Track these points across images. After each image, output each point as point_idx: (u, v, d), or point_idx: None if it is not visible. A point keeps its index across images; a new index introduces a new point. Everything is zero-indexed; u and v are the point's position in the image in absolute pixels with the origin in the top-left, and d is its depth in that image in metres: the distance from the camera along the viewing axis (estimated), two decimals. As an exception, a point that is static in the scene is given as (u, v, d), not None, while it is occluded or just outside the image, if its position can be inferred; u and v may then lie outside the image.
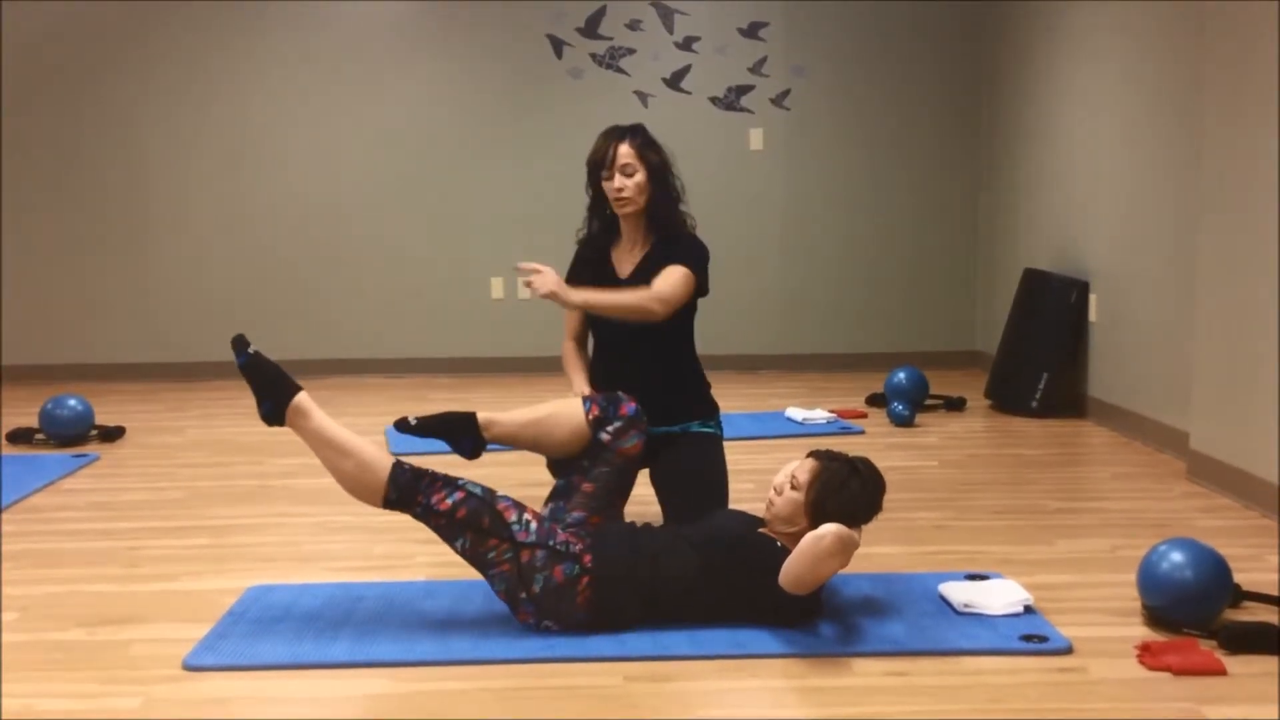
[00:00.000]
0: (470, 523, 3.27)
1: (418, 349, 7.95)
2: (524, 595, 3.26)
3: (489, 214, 7.91)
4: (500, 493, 3.37)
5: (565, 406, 3.59)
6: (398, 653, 3.17)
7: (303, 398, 3.40)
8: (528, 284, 3.80)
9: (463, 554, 3.32)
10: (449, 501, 3.29)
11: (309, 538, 4.34)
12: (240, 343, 3.48)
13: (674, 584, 3.28)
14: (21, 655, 3.22)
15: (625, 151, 3.99)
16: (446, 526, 3.30)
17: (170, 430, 6.22)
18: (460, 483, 3.33)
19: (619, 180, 3.99)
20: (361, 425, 3.68)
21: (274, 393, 3.42)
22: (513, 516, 3.29)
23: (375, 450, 3.38)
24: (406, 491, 3.30)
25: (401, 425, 3.54)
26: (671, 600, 3.29)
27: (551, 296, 3.76)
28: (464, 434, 3.59)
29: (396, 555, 4.09)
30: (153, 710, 2.91)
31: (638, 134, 4.05)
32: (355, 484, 3.35)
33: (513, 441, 3.64)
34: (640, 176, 3.99)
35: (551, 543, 3.28)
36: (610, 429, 3.55)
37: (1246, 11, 4.61)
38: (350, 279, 7.93)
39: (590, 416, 3.56)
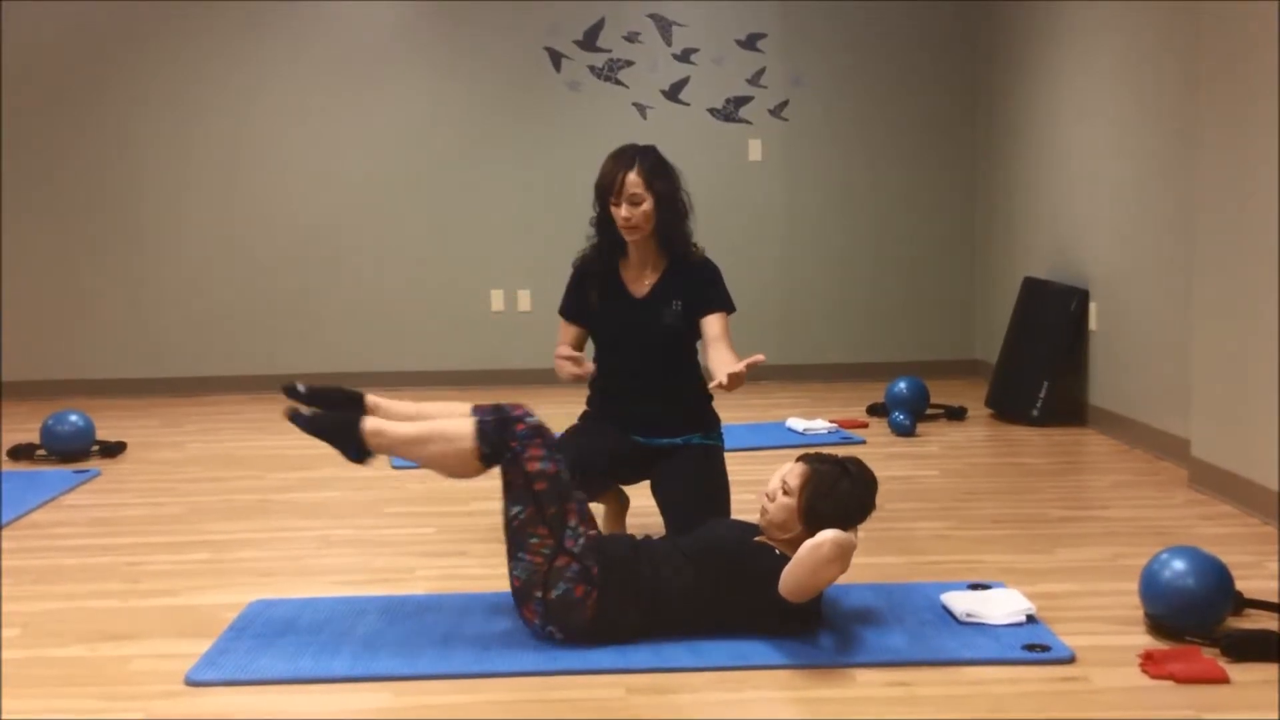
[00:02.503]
0: (539, 499, 3.24)
1: (417, 362, 7.94)
2: (539, 594, 3.25)
3: (488, 226, 7.91)
4: (578, 491, 3.33)
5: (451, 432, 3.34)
6: (399, 667, 3.17)
7: (369, 424, 3.35)
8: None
9: (509, 521, 3.28)
10: (539, 465, 3.25)
11: (310, 552, 4.33)
12: (292, 397, 3.42)
13: (674, 594, 3.28)
14: (22, 671, 3.22)
15: (632, 180, 3.97)
16: (520, 486, 3.25)
17: (171, 445, 6.22)
18: (558, 456, 3.29)
19: (626, 209, 3.99)
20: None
21: (346, 437, 3.35)
22: (573, 521, 3.27)
23: (453, 423, 3.31)
24: (497, 444, 3.24)
25: (289, 390, 3.44)
26: (672, 611, 3.29)
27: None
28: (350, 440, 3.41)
29: (398, 569, 4.08)
30: (154, 726, 2.91)
31: (647, 159, 4.02)
32: (450, 464, 3.31)
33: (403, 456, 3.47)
34: (647, 205, 3.99)
35: (587, 563, 3.26)
36: (509, 455, 3.28)
37: (1242, 15, 4.62)
38: (349, 292, 7.93)
39: (479, 453, 3.30)
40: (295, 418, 3.40)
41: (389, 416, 3.49)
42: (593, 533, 3.32)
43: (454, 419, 3.34)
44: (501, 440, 3.26)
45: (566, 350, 4.03)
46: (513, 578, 3.30)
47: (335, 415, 3.41)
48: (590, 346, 4.29)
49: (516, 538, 3.27)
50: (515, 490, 3.27)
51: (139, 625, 3.56)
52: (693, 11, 7.88)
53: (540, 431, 3.29)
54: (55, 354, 7.84)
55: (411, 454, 3.37)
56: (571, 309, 4.23)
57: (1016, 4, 7.33)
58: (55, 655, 3.34)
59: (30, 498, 5.02)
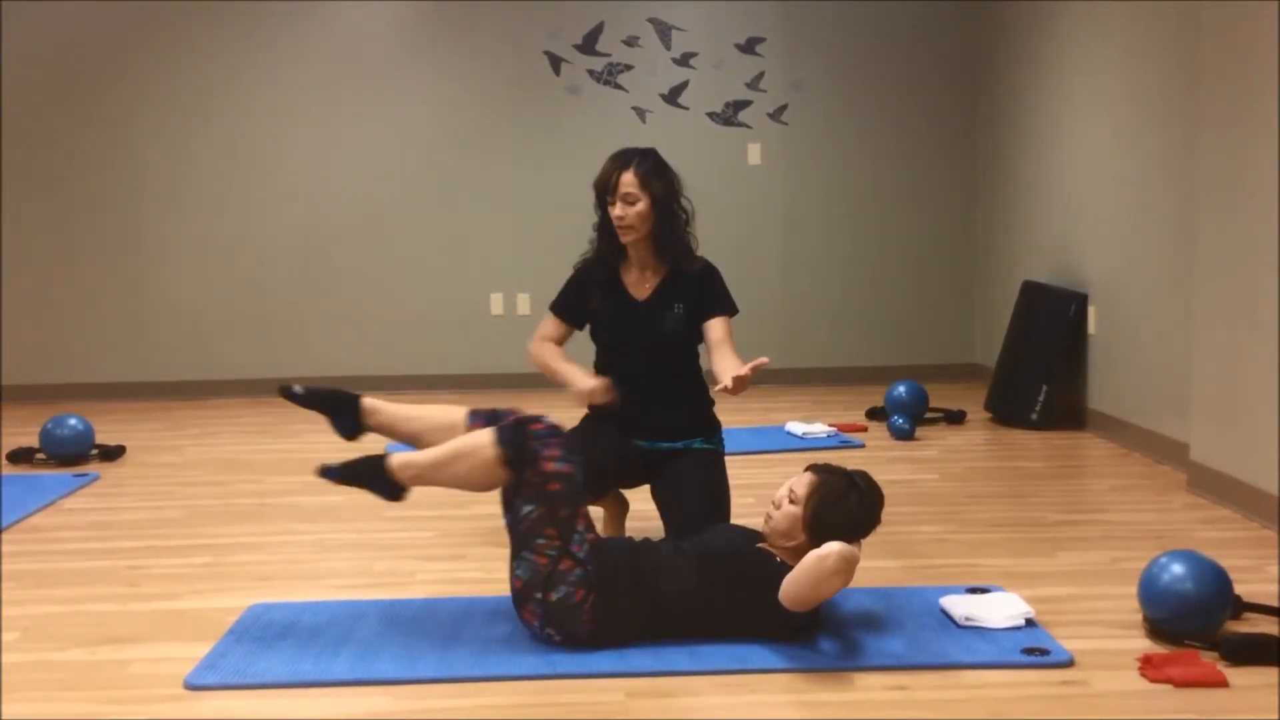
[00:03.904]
0: (553, 500, 3.24)
1: (418, 365, 7.95)
2: (539, 596, 3.25)
3: (487, 230, 7.92)
4: (587, 494, 3.35)
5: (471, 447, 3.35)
6: (399, 671, 3.17)
7: (396, 459, 3.38)
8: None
9: (518, 520, 3.27)
10: (555, 466, 3.24)
11: (310, 555, 4.34)
12: (286, 388, 3.57)
13: (673, 599, 3.28)
14: (22, 675, 3.22)
15: (628, 180, 4.00)
16: (534, 485, 3.24)
17: (170, 449, 6.22)
18: (575, 458, 3.28)
19: (620, 208, 4.01)
20: (362, 443, 3.68)
21: (377, 477, 3.39)
22: (581, 525, 3.28)
23: (470, 437, 3.33)
24: (518, 445, 3.24)
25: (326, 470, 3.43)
26: (671, 615, 3.29)
27: None
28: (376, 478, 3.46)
29: (397, 572, 4.09)
30: (154, 730, 2.91)
31: (645, 161, 4.04)
32: (476, 477, 3.30)
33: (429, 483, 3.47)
34: (642, 205, 4.00)
35: (591, 568, 3.26)
36: (529, 460, 3.27)
37: (1242, 15, 4.62)
38: (349, 296, 7.94)
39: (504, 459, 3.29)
40: (326, 472, 3.42)
41: (387, 418, 3.56)
42: (592, 536, 3.32)
43: (470, 435, 3.35)
44: (521, 441, 3.26)
45: (598, 385, 3.96)
46: (514, 578, 3.30)
47: (363, 460, 3.42)
48: (578, 348, 4.28)
49: (524, 537, 3.27)
50: (528, 489, 3.26)
51: (139, 629, 3.56)
52: (692, 16, 7.88)
53: (557, 432, 3.30)
54: (55, 358, 7.85)
55: (440, 476, 3.37)
56: (565, 307, 4.23)
57: (1016, 7, 7.33)
58: (55, 659, 3.35)
59: (30, 501, 5.02)
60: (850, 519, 3.32)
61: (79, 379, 7.81)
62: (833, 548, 3.07)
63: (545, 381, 7.63)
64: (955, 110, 8.00)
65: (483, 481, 3.32)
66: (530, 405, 7.16)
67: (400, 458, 3.40)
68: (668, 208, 4.05)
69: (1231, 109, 4.71)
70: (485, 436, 3.29)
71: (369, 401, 3.61)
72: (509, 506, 3.33)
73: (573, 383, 4.01)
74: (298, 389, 3.58)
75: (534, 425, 3.28)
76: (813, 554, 3.09)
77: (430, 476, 3.37)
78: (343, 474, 3.41)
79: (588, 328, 4.25)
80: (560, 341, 4.24)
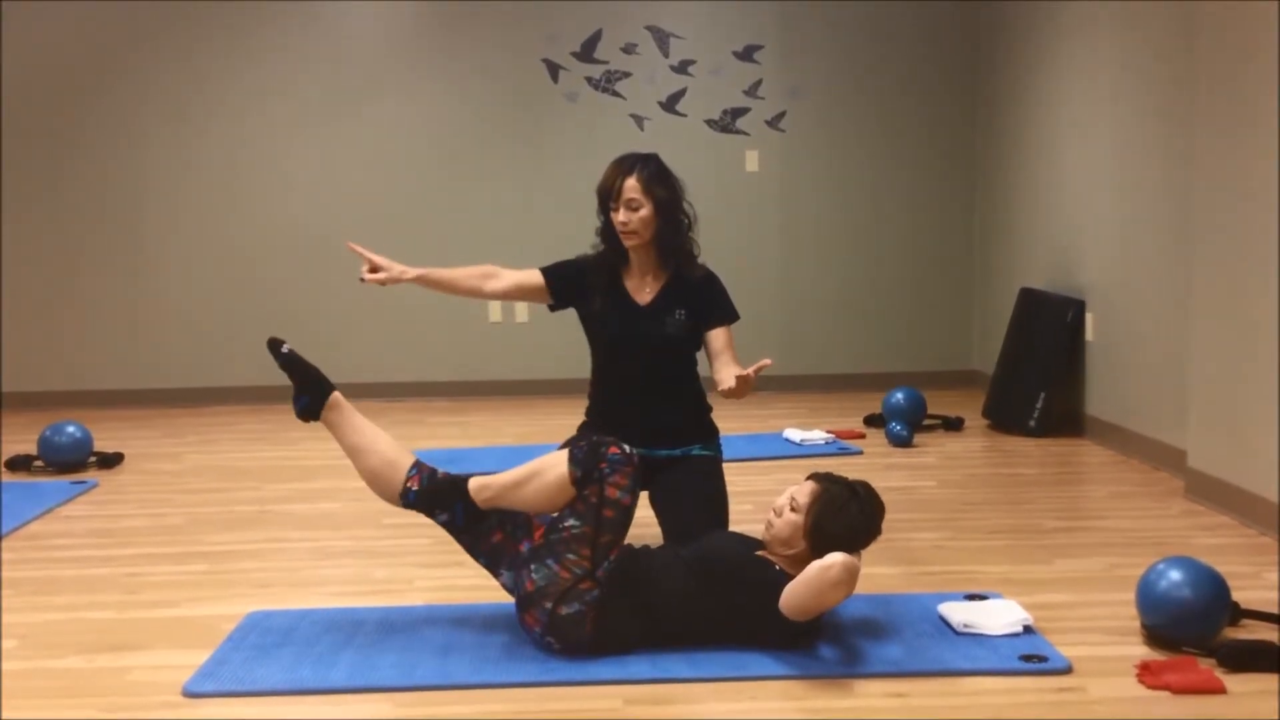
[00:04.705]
0: (602, 525, 3.27)
1: (416, 373, 7.95)
2: (549, 605, 3.25)
3: (485, 236, 7.91)
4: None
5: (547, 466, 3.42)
6: (397, 678, 3.17)
7: (474, 482, 3.42)
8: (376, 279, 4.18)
9: (556, 528, 3.29)
10: (618, 494, 3.28)
11: (308, 563, 4.34)
12: (275, 342, 3.59)
13: (673, 606, 3.29)
14: (21, 683, 3.22)
15: (631, 185, 4.00)
16: (591, 508, 3.27)
17: (169, 456, 6.22)
18: (636, 490, 3.34)
19: (624, 214, 4.01)
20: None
21: (312, 388, 3.53)
22: (614, 555, 3.30)
23: (544, 458, 3.37)
24: (588, 466, 3.28)
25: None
26: (670, 622, 3.29)
27: None
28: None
29: (396, 579, 4.09)
30: (152, 737, 2.91)
31: (647, 166, 4.04)
32: (548, 494, 3.32)
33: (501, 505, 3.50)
34: (645, 211, 4.01)
35: (607, 591, 3.27)
36: (595, 481, 3.33)
37: (1240, 22, 4.63)
38: (347, 303, 7.93)
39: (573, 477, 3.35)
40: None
41: (343, 418, 3.58)
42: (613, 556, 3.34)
43: (546, 455, 3.39)
44: (593, 464, 3.29)
45: (382, 262, 4.29)
46: (526, 579, 3.30)
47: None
48: (576, 349, 4.27)
49: (554, 547, 3.28)
50: (581, 505, 3.29)
51: (137, 636, 3.56)
52: (690, 23, 7.90)
53: (630, 461, 3.32)
54: (54, 365, 7.85)
55: (513, 497, 3.38)
56: (556, 273, 4.19)
57: (1016, 9, 7.35)
58: (54, 666, 3.34)
59: (28, 509, 5.02)
60: (851, 529, 3.33)
61: (77, 386, 7.81)
62: (836, 558, 3.07)
63: (541, 390, 7.71)
64: (953, 116, 8.00)
65: (550, 501, 3.34)
66: (524, 413, 7.21)
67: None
68: (671, 213, 4.06)
69: (1229, 113, 4.72)
70: (560, 456, 3.34)
71: (338, 397, 3.62)
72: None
73: (391, 266, 4.26)
74: (286, 348, 3.60)
75: (610, 449, 3.31)
76: (816, 564, 3.09)
77: (504, 497, 3.40)
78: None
79: (586, 332, 4.25)
80: (511, 290, 4.19)
